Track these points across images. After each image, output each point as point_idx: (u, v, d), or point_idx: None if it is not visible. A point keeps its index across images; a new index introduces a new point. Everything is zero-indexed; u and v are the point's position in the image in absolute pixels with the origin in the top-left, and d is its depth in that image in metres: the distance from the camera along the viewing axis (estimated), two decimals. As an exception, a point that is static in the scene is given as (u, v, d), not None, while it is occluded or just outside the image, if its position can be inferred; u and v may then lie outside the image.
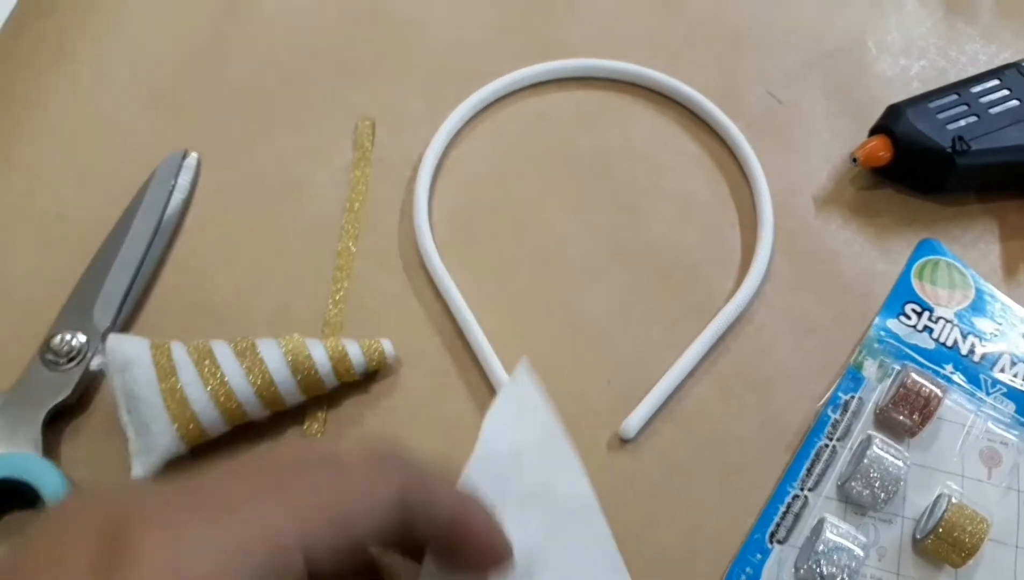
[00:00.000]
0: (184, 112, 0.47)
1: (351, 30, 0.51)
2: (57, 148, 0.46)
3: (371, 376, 0.40)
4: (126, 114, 0.47)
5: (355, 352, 0.38)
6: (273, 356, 0.36)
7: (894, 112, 0.45)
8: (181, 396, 0.35)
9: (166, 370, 0.35)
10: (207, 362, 0.36)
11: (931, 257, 0.44)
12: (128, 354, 0.36)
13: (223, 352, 0.36)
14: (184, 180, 0.44)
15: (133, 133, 0.47)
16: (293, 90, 0.49)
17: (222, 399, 0.35)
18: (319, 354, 0.37)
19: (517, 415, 0.36)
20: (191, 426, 0.35)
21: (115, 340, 0.36)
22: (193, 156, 0.45)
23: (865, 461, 0.36)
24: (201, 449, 0.36)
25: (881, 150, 0.44)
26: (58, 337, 0.38)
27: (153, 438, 0.35)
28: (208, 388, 0.35)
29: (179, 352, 0.36)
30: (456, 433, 0.38)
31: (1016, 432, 0.39)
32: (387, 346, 0.39)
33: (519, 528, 0.34)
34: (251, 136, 0.47)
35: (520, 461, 0.35)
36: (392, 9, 0.52)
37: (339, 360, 0.37)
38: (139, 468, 0.35)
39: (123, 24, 0.51)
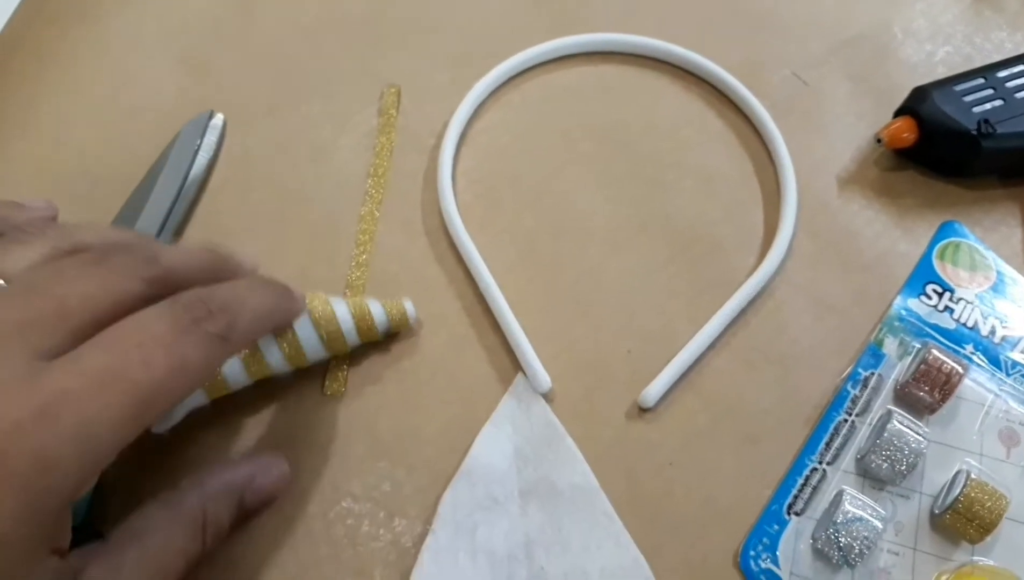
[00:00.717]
0: (211, 74, 0.48)
1: None
2: (84, 106, 0.46)
3: (392, 337, 0.40)
4: (153, 74, 0.47)
5: (377, 311, 0.38)
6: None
7: (920, 94, 0.45)
8: None
9: None
10: None
11: (953, 239, 0.44)
12: None
13: None
14: (210, 140, 0.44)
15: (160, 93, 0.47)
16: (321, 56, 0.49)
17: (245, 353, 0.36)
18: (342, 311, 0.37)
19: (516, 418, 0.38)
20: (215, 378, 0.35)
21: None
22: (219, 117, 0.45)
23: (885, 435, 0.36)
24: (220, 402, 0.36)
25: (906, 131, 0.44)
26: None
27: None
28: None
29: None
30: (475, 397, 0.38)
31: (1035, 413, 0.39)
32: (409, 307, 0.39)
33: (520, 517, 0.35)
34: (277, 100, 0.47)
35: (521, 458, 0.37)
36: (419, -19, 0.52)
37: (361, 318, 0.37)
38: (161, 423, 0.35)
39: (151, -13, 0.51)
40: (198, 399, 0.35)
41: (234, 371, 0.35)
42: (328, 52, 0.49)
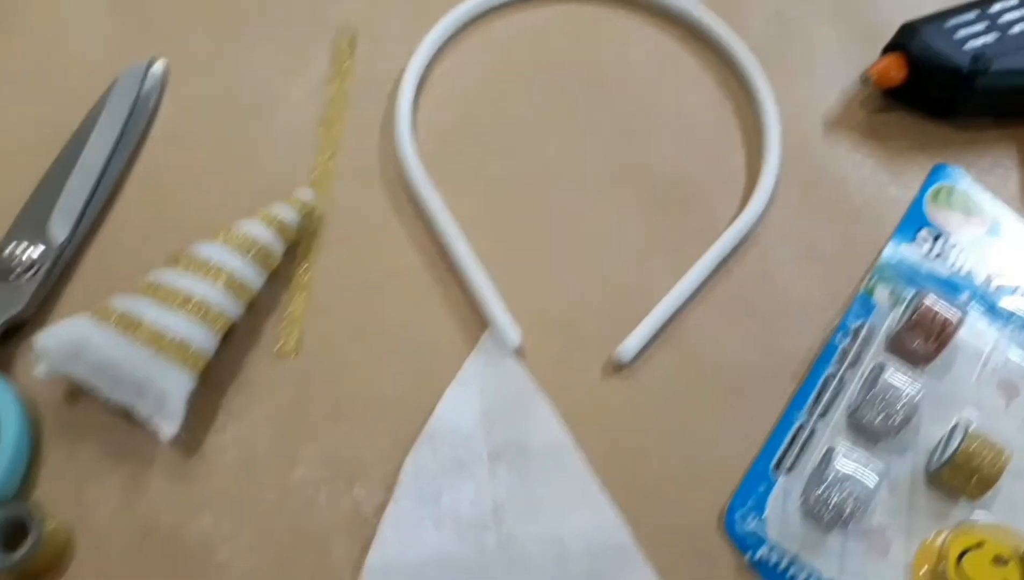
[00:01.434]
0: (150, 20, 0.44)
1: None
2: (14, 54, 0.43)
3: (349, 298, 0.37)
4: (88, 20, 0.44)
5: (281, 209, 0.37)
6: (215, 252, 0.35)
7: (909, 30, 0.42)
8: (158, 332, 0.32)
9: (124, 321, 0.32)
10: (160, 291, 0.33)
11: (945, 182, 0.41)
12: (70, 338, 0.32)
13: (169, 277, 0.34)
14: (149, 89, 0.41)
15: (95, 41, 0.43)
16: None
17: (197, 312, 0.33)
18: (256, 229, 0.36)
19: (484, 377, 0.35)
20: (187, 353, 0.33)
21: (44, 337, 0.32)
22: (159, 64, 0.42)
23: (878, 386, 0.34)
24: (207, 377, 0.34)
25: (895, 69, 0.42)
26: (10, 246, 0.36)
27: (158, 390, 0.32)
28: (177, 310, 0.33)
29: (124, 302, 0.33)
30: (440, 357, 0.36)
31: (1035, 363, 0.37)
32: (305, 192, 0.38)
33: (489, 481, 0.32)
34: (222, 47, 0.44)
35: (489, 419, 0.34)
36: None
37: (271, 222, 0.36)
38: (168, 426, 0.32)
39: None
40: (186, 383, 0.33)
41: (197, 335, 0.33)
42: (277, -5, 0.46)
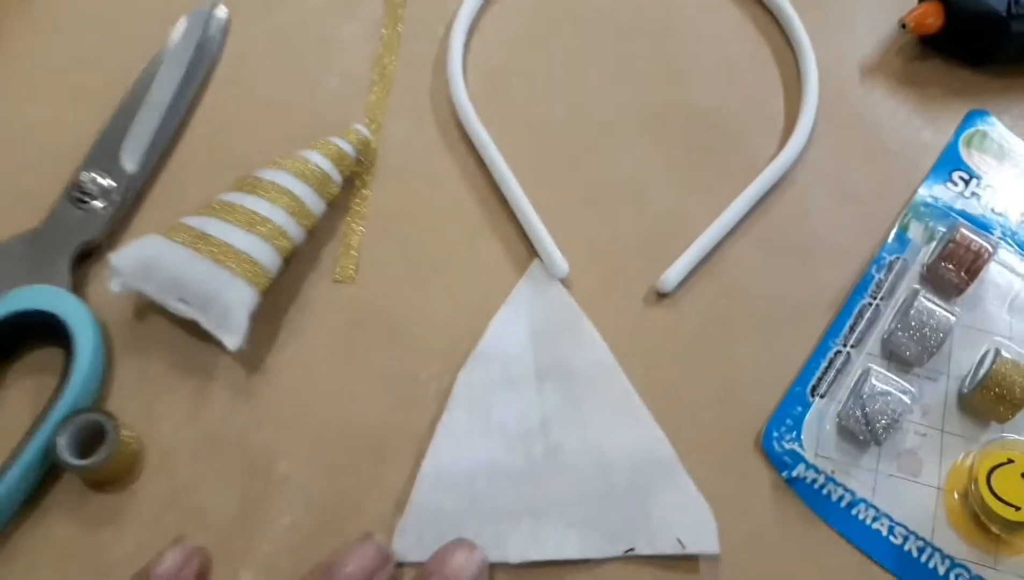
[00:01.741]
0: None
1: None
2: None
3: (404, 228, 0.39)
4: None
5: (341, 142, 0.39)
6: (279, 177, 0.36)
7: (946, -23, 0.43)
8: (224, 247, 0.34)
9: (194, 237, 0.34)
10: (225, 209, 0.35)
11: (980, 127, 0.42)
12: (143, 256, 0.34)
13: (235, 198, 0.36)
14: (213, 31, 0.43)
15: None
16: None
17: (261, 230, 0.35)
18: (315, 157, 0.38)
19: (533, 301, 0.37)
20: (253, 267, 0.34)
21: (117, 256, 0.34)
22: (223, 8, 0.44)
23: (912, 312, 0.35)
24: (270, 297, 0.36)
25: (931, 16, 0.43)
26: (85, 175, 0.38)
27: (224, 303, 0.34)
28: (242, 227, 0.35)
29: (192, 220, 0.35)
30: (489, 285, 0.37)
31: (1065, 297, 0.38)
32: (362, 129, 0.40)
33: (536, 397, 0.34)
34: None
35: (537, 340, 0.36)
36: None
37: (330, 154, 0.38)
38: (232, 339, 0.34)
39: None
40: (252, 297, 0.34)
41: (262, 251, 0.35)
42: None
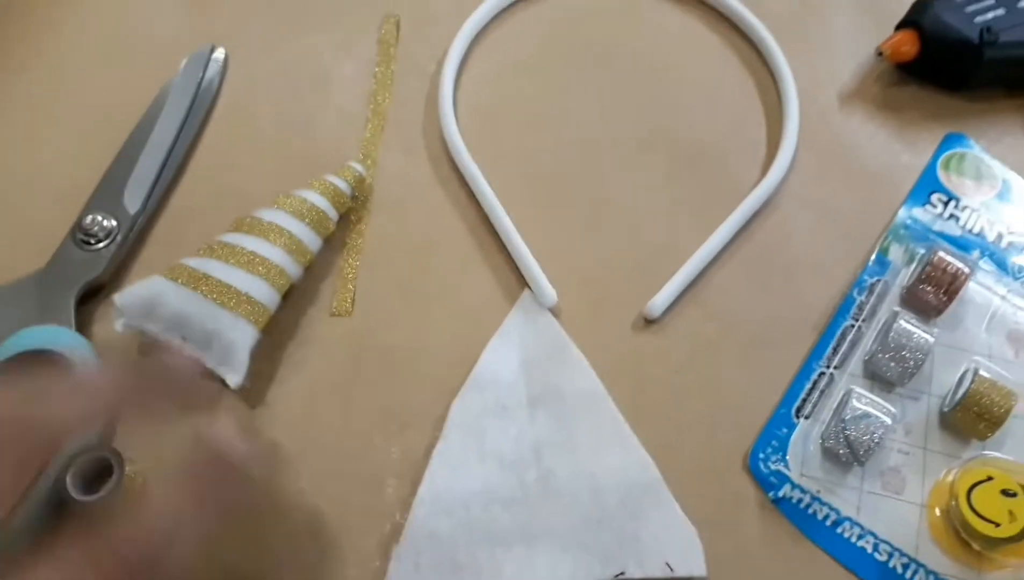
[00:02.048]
0: (213, 7, 0.48)
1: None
2: (89, 42, 0.46)
3: (398, 262, 0.40)
4: (156, 8, 0.47)
5: (335, 180, 0.40)
6: (277, 217, 0.38)
7: (921, 5, 0.44)
8: (224, 287, 0.35)
9: (194, 278, 0.35)
10: (225, 251, 0.36)
11: (957, 149, 0.43)
12: (145, 295, 0.35)
13: (234, 238, 0.37)
14: (212, 73, 0.44)
15: (162, 27, 0.47)
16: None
17: (260, 270, 0.36)
18: (312, 196, 0.39)
19: (524, 331, 0.38)
20: (252, 307, 0.36)
21: (121, 295, 0.35)
22: (220, 50, 0.45)
23: (892, 334, 0.36)
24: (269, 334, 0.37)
25: (907, 44, 0.44)
26: (89, 217, 0.39)
27: (226, 342, 0.35)
28: (242, 268, 0.36)
29: (193, 262, 0.36)
30: (481, 315, 0.39)
31: (1043, 315, 0.39)
32: (357, 166, 0.41)
33: (529, 424, 0.35)
34: (278, 32, 0.47)
35: (528, 368, 0.37)
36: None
37: (326, 191, 0.39)
38: (234, 377, 0.35)
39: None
40: (252, 335, 0.36)
41: (261, 290, 0.36)
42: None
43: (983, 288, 0.39)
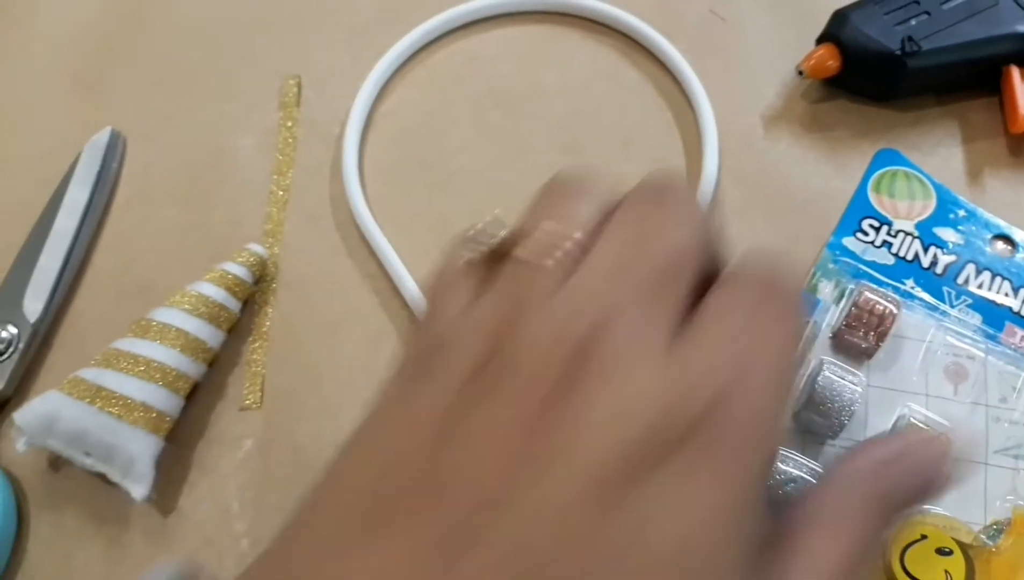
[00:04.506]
0: (107, 92, 0.46)
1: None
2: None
3: (307, 345, 0.39)
4: (49, 99, 0.46)
5: (233, 267, 0.39)
6: (172, 316, 0.36)
7: (840, 18, 0.42)
8: (120, 399, 0.34)
9: (90, 391, 0.35)
10: (119, 359, 0.35)
11: (889, 168, 0.41)
12: (43, 412, 0.34)
13: (128, 345, 0.36)
14: (110, 160, 0.43)
15: (57, 118, 0.45)
16: (215, 56, 0.47)
17: (157, 376, 0.35)
18: (208, 289, 0.37)
19: None
20: (151, 416, 0.35)
21: (21, 414, 0.34)
22: (118, 135, 0.44)
23: (816, 388, 0.35)
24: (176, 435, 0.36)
25: (828, 59, 0.42)
26: (-13, 330, 0.38)
27: (127, 453, 0.34)
28: (137, 376, 0.35)
29: (89, 373, 0.35)
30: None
31: (983, 345, 0.37)
32: (255, 247, 0.40)
33: None
34: (174, 109, 0.45)
35: None
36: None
37: (224, 282, 0.38)
38: (138, 489, 0.34)
39: (39, 9, 0.50)
40: (154, 445, 0.35)
41: (160, 397, 0.35)
42: (222, 50, 0.47)
43: (917, 320, 0.37)
